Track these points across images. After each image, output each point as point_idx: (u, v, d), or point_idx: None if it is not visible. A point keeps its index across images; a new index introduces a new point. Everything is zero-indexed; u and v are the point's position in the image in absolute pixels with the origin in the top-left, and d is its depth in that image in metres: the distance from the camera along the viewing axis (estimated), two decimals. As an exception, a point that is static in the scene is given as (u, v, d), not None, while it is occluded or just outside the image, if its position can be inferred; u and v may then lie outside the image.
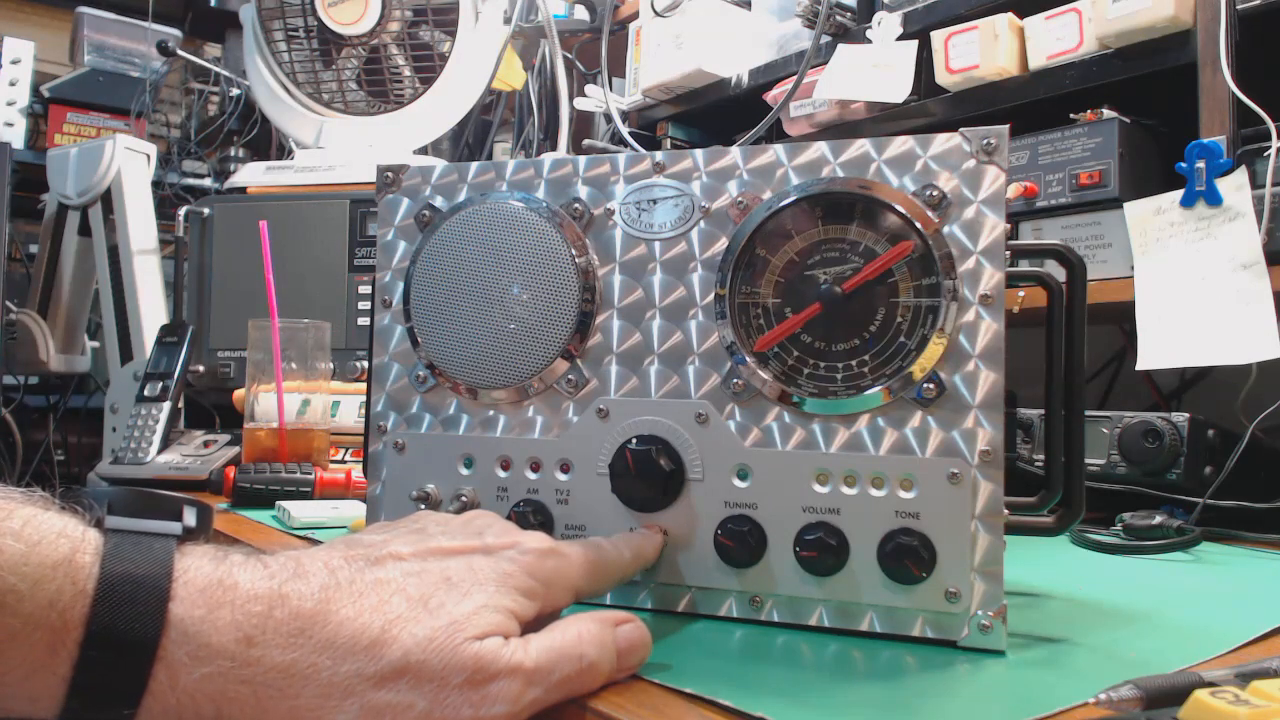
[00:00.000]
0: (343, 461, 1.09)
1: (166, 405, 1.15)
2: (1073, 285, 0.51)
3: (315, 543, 0.72)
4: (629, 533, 0.50)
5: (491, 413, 0.53)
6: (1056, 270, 0.52)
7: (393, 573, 0.38)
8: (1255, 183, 0.83)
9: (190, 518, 0.38)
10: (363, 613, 0.36)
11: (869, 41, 1.14)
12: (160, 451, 1.11)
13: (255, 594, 0.35)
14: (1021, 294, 0.87)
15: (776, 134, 1.24)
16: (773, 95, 1.22)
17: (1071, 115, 0.96)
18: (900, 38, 1.12)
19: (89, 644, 0.33)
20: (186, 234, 1.32)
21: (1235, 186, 0.83)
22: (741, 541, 0.48)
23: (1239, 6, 0.85)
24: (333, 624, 0.36)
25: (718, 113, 1.39)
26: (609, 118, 1.45)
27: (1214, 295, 0.83)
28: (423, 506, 0.53)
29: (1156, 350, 0.86)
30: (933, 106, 1.09)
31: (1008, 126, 0.46)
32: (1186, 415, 0.83)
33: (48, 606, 0.33)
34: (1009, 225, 0.47)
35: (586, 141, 1.52)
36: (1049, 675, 0.42)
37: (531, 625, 0.39)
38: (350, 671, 0.35)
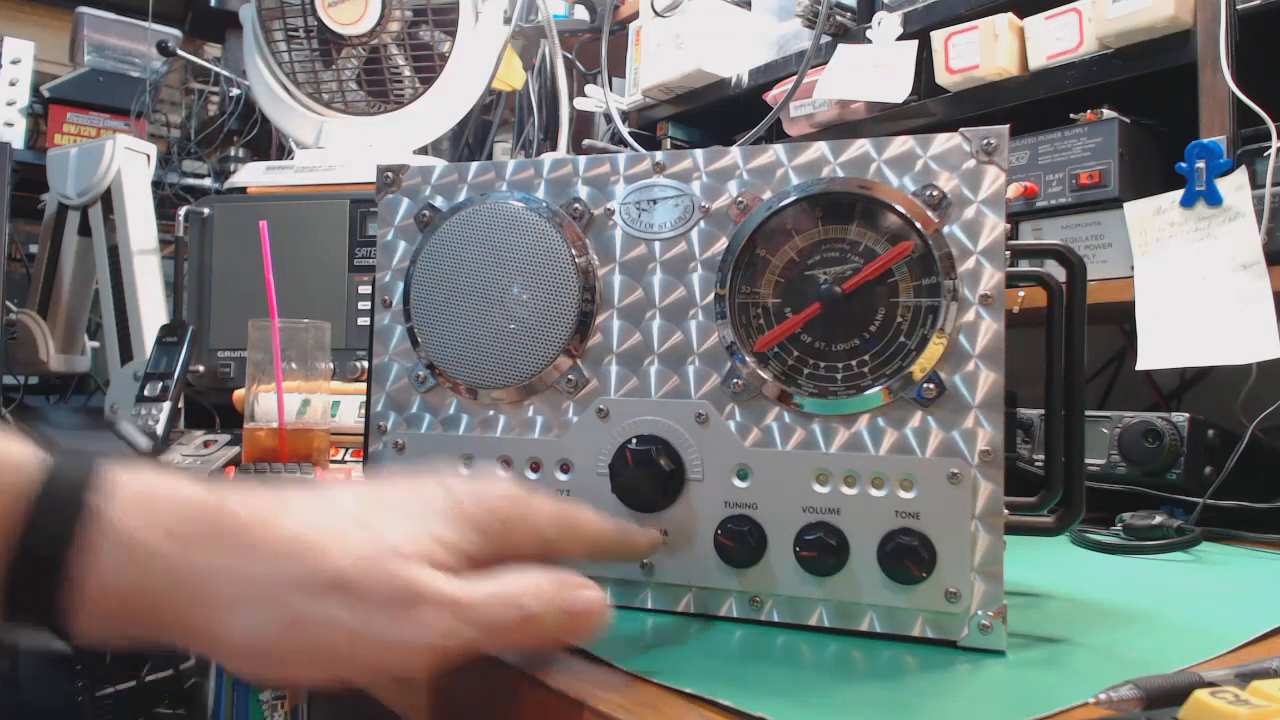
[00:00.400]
0: (343, 461, 1.09)
1: (166, 405, 1.15)
2: (1073, 285, 0.51)
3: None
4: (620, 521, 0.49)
5: (491, 413, 0.53)
6: (1056, 270, 0.52)
7: (345, 495, 0.39)
8: (1255, 183, 0.83)
9: (140, 442, 0.40)
10: (299, 525, 0.36)
11: (869, 41, 1.14)
12: (160, 451, 1.11)
13: (189, 499, 0.36)
14: (1021, 294, 0.87)
15: (776, 134, 1.24)
16: (773, 95, 1.22)
17: (1071, 115, 0.96)
18: (900, 38, 1.12)
19: (26, 535, 0.34)
20: (186, 234, 1.32)
21: (1235, 186, 0.83)
22: (741, 541, 0.48)
23: (1239, 6, 0.85)
24: (266, 533, 0.36)
25: (718, 113, 1.39)
26: (609, 118, 1.45)
27: (1214, 295, 0.83)
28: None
29: (1156, 350, 0.86)
30: (933, 106, 1.09)
31: (1008, 126, 0.46)
32: (1186, 415, 0.83)
33: None
34: (1009, 225, 0.47)
35: (586, 141, 1.52)
36: (1049, 675, 0.42)
37: (488, 567, 0.39)
38: (278, 578, 0.35)
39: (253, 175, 1.40)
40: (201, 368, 1.31)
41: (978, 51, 1.02)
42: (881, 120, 1.14)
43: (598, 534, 0.46)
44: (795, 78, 1.16)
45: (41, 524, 0.34)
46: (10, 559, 0.34)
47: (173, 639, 0.36)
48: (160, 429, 1.13)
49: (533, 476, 0.52)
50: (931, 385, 0.46)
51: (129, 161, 1.45)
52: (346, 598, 0.35)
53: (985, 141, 0.46)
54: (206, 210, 1.33)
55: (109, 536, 0.34)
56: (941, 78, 1.06)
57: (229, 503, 0.36)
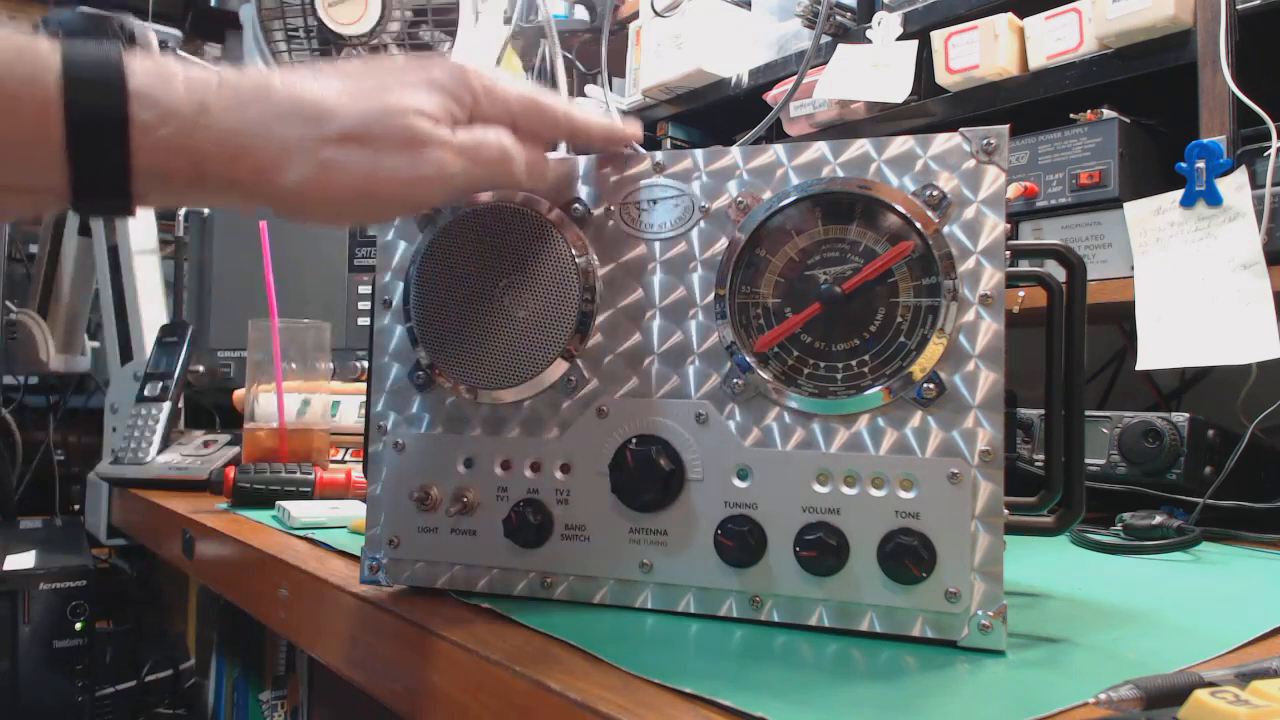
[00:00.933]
0: (343, 461, 1.09)
1: (166, 405, 1.15)
2: (1073, 285, 0.51)
3: (315, 544, 0.72)
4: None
5: (491, 413, 0.53)
6: (1056, 270, 0.52)
7: (331, 71, 0.45)
8: (1255, 183, 0.83)
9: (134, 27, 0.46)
10: (303, 94, 0.43)
11: (869, 41, 1.14)
12: (160, 451, 1.11)
13: (202, 75, 0.42)
14: (1021, 294, 0.87)
15: (776, 134, 1.24)
16: (773, 95, 1.22)
17: (1071, 115, 0.96)
18: (900, 38, 1.12)
19: (70, 110, 0.39)
20: (186, 234, 1.33)
21: (1235, 186, 0.83)
22: (741, 541, 0.48)
23: (1239, 6, 0.85)
24: (274, 101, 0.42)
25: (718, 113, 1.39)
26: (609, 118, 1.44)
27: (1214, 295, 0.83)
28: (423, 508, 0.53)
29: (1156, 350, 0.86)
30: (933, 106, 1.09)
31: (1008, 126, 0.46)
32: (1186, 415, 0.83)
33: (29, 82, 0.39)
34: (1009, 225, 0.47)
35: (586, 141, 1.52)
36: (1049, 675, 0.42)
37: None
38: (299, 135, 0.42)
39: (253, 175, 1.39)
40: (201, 368, 1.31)
41: (978, 51, 1.02)
42: (881, 120, 1.14)
43: (565, 117, 0.51)
44: (795, 78, 1.16)
45: (81, 98, 0.39)
46: (67, 134, 0.39)
47: (223, 196, 0.43)
48: (160, 429, 1.13)
49: (533, 476, 0.52)
50: (931, 385, 0.46)
51: (129, 161, 1.45)
52: (365, 146, 0.43)
53: (985, 141, 0.46)
54: (206, 210, 1.33)
55: (144, 106, 0.40)
56: (941, 78, 1.06)
57: (233, 76, 0.42)
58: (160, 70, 0.41)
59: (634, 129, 0.54)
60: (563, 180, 0.52)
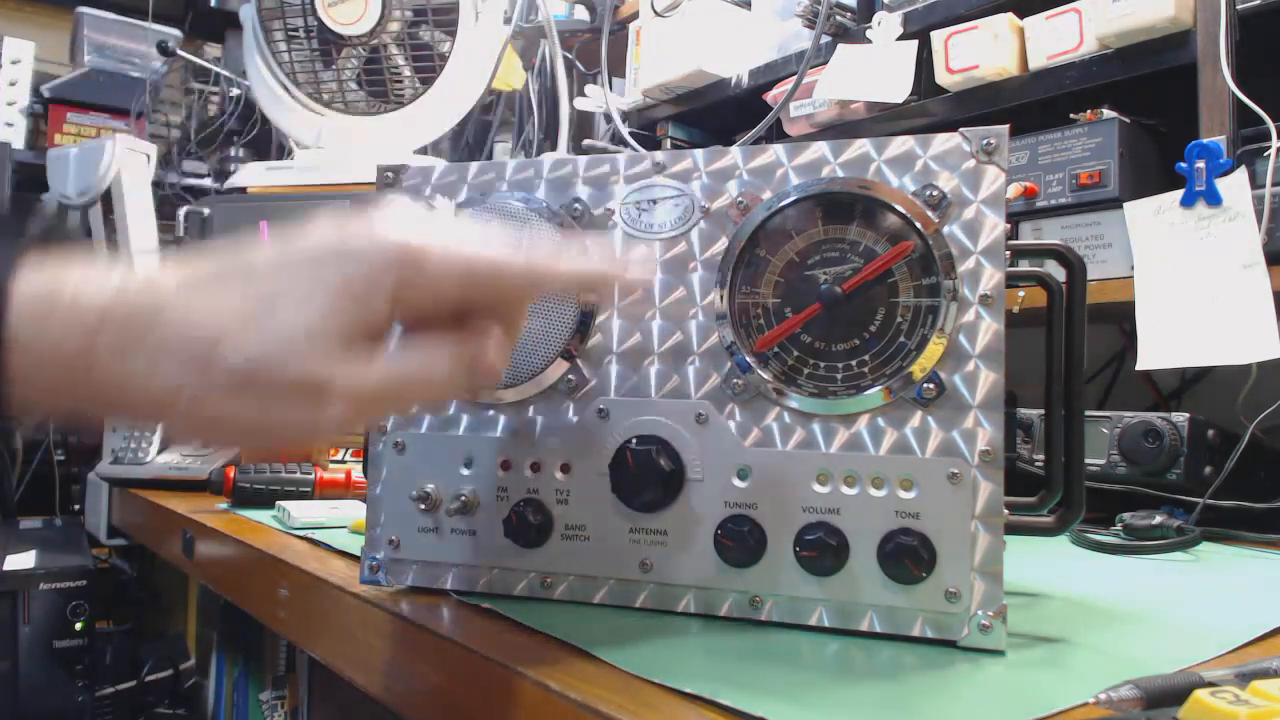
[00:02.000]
0: (343, 461, 1.09)
1: (166, 405, 1.14)
2: (1073, 285, 0.51)
3: (315, 544, 0.72)
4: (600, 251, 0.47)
5: (491, 413, 0.53)
6: (1056, 270, 0.52)
7: (234, 283, 0.39)
8: (1255, 183, 0.83)
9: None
10: (190, 325, 0.38)
11: (869, 41, 1.14)
12: (160, 452, 1.11)
13: (87, 310, 0.37)
14: (1021, 294, 0.87)
15: (776, 134, 1.24)
16: (773, 95, 1.22)
17: (1071, 115, 0.96)
18: (900, 38, 1.12)
19: None
20: (186, 234, 1.32)
21: (1235, 186, 0.83)
22: (741, 541, 0.48)
23: (1239, 6, 0.85)
24: (158, 338, 0.37)
25: (718, 113, 1.39)
26: (609, 118, 1.45)
27: (1214, 295, 0.83)
28: (423, 508, 0.53)
29: (1156, 350, 0.86)
30: (933, 106, 1.09)
31: (1008, 126, 0.46)
32: (1186, 415, 0.83)
33: None
34: (1009, 225, 0.47)
35: (586, 141, 1.52)
36: (1049, 675, 0.42)
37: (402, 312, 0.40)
38: (178, 385, 0.37)
39: (253, 175, 1.40)
40: (201, 368, 1.30)
41: (978, 51, 1.02)
42: (881, 120, 1.13)
43: (517, 279, 0.42)
44: (795, 78, 1.16)
45: None
46: None
47: (110, 420, 0.40)
48: (160, 429, 1.13)
49: (533, 476, 0.52)
50: (931, 385, 0.46)
51: (129, 161, 1.45)
52: (249, 395, 0.37)
53: (985, 141, 0.46)
54: (206, 210, 1.33)
55: (21, 354, 0.36)
56: (941, 78, 1.06)
57: (125, 303, 0.37)
58: (47, 298, 0.37)
59: (639, 270, 0.46)
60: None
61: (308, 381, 0.37)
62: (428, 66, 1.40)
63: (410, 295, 0.39)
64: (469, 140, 1.82)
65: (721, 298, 0.49)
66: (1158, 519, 0.75)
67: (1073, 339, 0.51)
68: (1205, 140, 0.85)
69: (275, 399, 0.37)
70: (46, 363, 0.37)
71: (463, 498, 0.53)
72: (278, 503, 0.85)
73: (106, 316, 0.37)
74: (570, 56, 1.67)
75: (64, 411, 0.39)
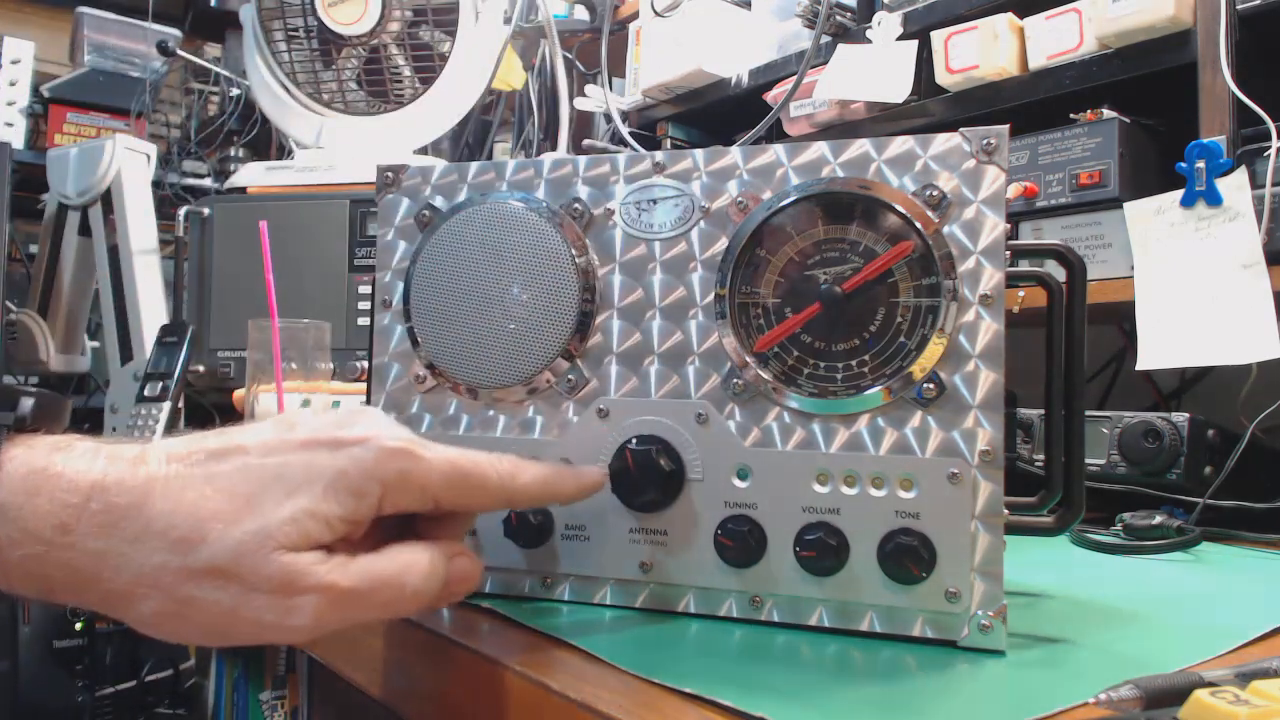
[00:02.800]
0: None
1: (166, 405, 1.14)
2: (1073, 285, 0.51)
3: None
4: (554, 464, 0.49)
5: (491, 413, 0.53)
6: (1056, 270, 0.52)
7: (227, 466, 0.39)
8: (1255, 183, 0.83)
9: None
10: (179, 508, 0.38)
11: (869, 41, 1.14)
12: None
13: (75, 485, 0.37)
14: (1021, 294, 0.87)
15: (776, 134, 1.24)
16: (773, 95, 1.22)
17: (1071, 115, 0.96)
18: (900, 38, 1.12)
19: None
20: (186, 234, 1.32)
21: (1235, 186, 0.83)
22: (741, 541, 0.48)
23: (1239, 6, 0.85)
24: (146, 518, 0.37)
25: (718, 113, 1.39)
26: (609, 118, 1.45)
27: (1214, 295, 0.83)
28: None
29: (1156, 350, 0.86)
30: (933, 106, 1.09)
31: (1008, 126, 0.46)
32: (1186, 415, 0.83)
33: None
34: (1009, 225, 0.47)
35: (586, 141, 1.52)
36: (1049, 675, 0.42)
37: (376, 529, 0.41)
38: (159, 564, 0.37)
39: (253, 175, 1.40)
40: (201, 368, 1.31)
41: (978, 51, 1.02)
42: (881, 120, 1.13)
43: (500, 487, 0.44)
44: (795, 78, 1.16)
45: None
46: None
47: (82, 606, 0.39)
48: (160, 429, 1.13)
49: (533, 476, 0.52)
50: (931, 385, 0.46)
51: (129, 161, 1.45)
52: (228, 584, 0.37)
53: (985, 141, 0.46)
54: (206, 210, 1.33)
55: (7, 523, 0.37)
56: (941, 78, 1.06)
57: (112, 487, 0.38)
58: (33, 476, 0.37)
59: (594, 477, 0.49)
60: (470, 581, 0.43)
61: (286, 573, 0.37)
62: (428, 66, 1.40)
63: (400, 492, 0.40)
64: (469, 140, 1.82)
65: (721, 298, 0.49)
66: (1158, 519, 0.75)
67: (1073, 339, 0.51)
68: (1205, 140, 0.84)
69: (253, 589, 0.37)
70: (31, 535, 0.37)
71: (463, 498, 0.53)
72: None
73: (94, 492, 0.37)
74: (570, 56, 1.67)
75: (33, 590, 0.38)
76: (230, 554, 0.37)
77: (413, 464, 0.41)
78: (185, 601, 0.37)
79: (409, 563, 0.40)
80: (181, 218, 1.33)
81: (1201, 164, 0.84)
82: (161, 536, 0.37)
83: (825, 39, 1.18)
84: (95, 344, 1.70)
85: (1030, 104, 1.00)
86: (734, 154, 0.50)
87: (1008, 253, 0.47)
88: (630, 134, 1.41)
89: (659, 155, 0.52)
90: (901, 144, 0.47)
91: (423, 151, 1.44)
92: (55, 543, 0.37)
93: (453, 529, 0.44)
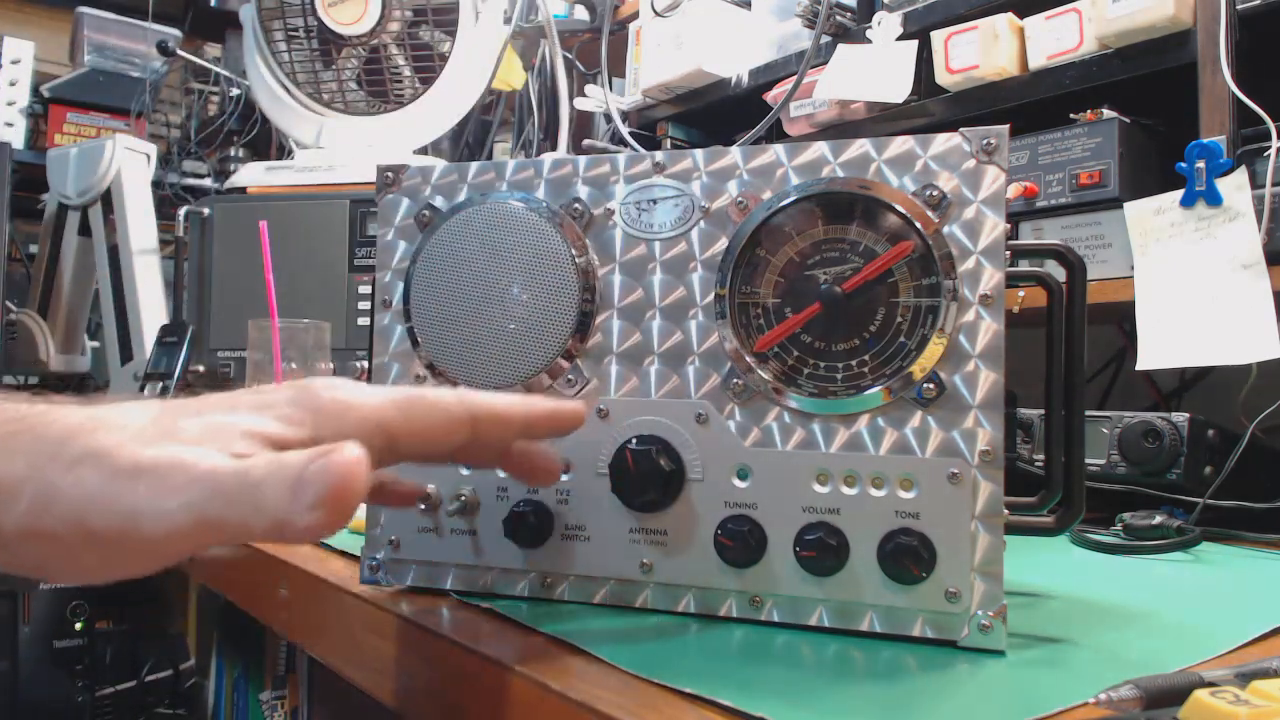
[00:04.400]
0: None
1: (166, 405, 1.14)
2: (1073, 285, 0.51)
3: (315, 544, 0.72)
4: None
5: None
6: (1056, 270, 0.52)
7: (154, 402, 0.37)
8: (1255, 183, 0.83)
9: None
10: (89, 415, 0.35)
11: (869, 41, 1.14)
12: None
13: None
14: (1021, 294, 0.87)
15: (776, 134, 1.24)
16: (773, 95, 1.22)
17: (1071, 115, 0.96)
18: (900, 38, 1.12)
19: None
20: (186, 234, 1.32)
21: (1235, 186, 0.83)
22: (741, 541, 0.48)
23: (1239, 6, 0.85)
24: (54, 424, 0.35)
25: (718, 113, 1.39)
26: (609, 118, 1.45)
27: (1214, 295, 0.83)
28: (422, 508, 0.53)
29: (1156, 350, 0.86)
30: (933, 106, 1.09)
31: (1008, 126, 0.46)
32: (1186, 415, 0.83)
33: None
34: (1009, 225, 0.47)
35: (586, 141, 1.52)
36: (1049, 675, 0.42)
37: None
38: (50, 455, 0.34)
39: (253, 175, 1.40)
40: (201, 368, 1.31)
41: (978, 51, 1.02)
42: (881, 120, 1.13)
43: (449, 409, 0.40)
44: (795, 78, 1.16)
45: None
46: None
47: None
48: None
49: (533, 476, 0.52)
50: (931, 385, 0.46)
51: (129, 161, 1.46)
52: (101, 467, 0.33)
53: (985, 141, 0.46)
54: (206, 210, 1.33)
55: None
56: (941, 78, 1.06)
57: (8, 406, 0.36)
58: None
59: (572, 405, 0.45)
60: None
61: (165, 453, 0.33)
62: (428, 66, 1.41)
63: (337, 419, 0.37)
64: (469, 140, 1.82)
65: (721, 298, 0.49)
66: (1158, 519, 0.75)
67: (1073, 339, 0.51)
68: (1205, 140, 0.84)
69: (124, 473, 0.33)
70: None
71: (462, 498, 0.53)
72: (278, 503, 0.85)
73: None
74: (570, 56, 1.67)
75: None
76: (118, 440, 0.34)
77: (352, 392, 0.38)
78: (50, 488, 0.33)
79: (289, 458, 0.34)
80: (181, 218, 1.33)
81: (1201, 164, 0.84)
82: (64, 434, 0.35)
83: (825, 39, 1.18)
84: (95, 344, 1.70)
85: (1030, 104, 1.00)
86: (734, 154, 0.50)
87: (1008, 253, 0.47)
88: (630, 134, 1.41)
89: (659, 155, 0.52)
90: (901, 144, 0.47)
91: (423, 151, 1.44)
92: None
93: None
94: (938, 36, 1.06)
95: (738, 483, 0.49)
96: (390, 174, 0.56)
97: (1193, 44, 0.87)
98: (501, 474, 0.53)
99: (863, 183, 0.47)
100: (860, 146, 0.48)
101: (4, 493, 0.34)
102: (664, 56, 1.37)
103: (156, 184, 1.68)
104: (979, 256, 0.46)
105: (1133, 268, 0.89)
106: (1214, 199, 0.84)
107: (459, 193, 0.55)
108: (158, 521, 0.33)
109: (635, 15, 1.49)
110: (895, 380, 0.46)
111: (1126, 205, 0.89)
